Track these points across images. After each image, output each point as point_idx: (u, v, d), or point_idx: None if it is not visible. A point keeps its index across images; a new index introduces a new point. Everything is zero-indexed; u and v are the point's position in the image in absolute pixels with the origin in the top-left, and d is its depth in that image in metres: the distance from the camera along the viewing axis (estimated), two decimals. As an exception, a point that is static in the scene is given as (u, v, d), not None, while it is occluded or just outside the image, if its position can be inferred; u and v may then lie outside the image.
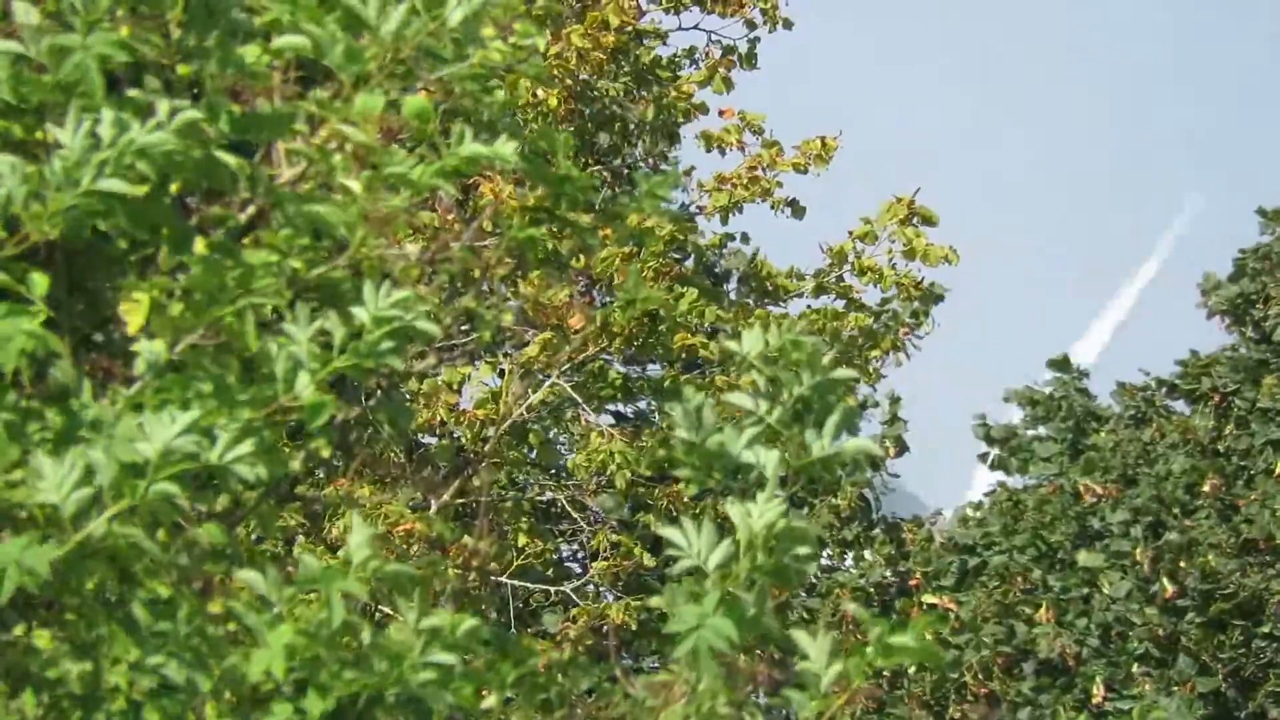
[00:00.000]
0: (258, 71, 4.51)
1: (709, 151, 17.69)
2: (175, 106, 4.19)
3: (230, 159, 4.36)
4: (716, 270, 18.50)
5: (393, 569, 4.19)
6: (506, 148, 4.57)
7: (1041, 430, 23.84)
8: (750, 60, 18.25)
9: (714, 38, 18.43)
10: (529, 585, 15.99)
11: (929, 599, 22.15)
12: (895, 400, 23.76)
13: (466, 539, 13.66)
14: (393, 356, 4.18)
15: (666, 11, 18.19)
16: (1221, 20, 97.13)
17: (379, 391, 5.08)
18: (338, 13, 4.49)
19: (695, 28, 18.47)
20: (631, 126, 17.64)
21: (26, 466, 3.91)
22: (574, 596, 15.96)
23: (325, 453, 4.40)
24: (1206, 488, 21.39)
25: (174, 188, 4.34)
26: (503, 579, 15.63)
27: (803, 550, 4.13)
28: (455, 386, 15.71)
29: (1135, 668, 20.81)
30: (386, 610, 7.62)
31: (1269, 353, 22.53)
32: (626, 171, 17.79)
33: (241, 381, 4.13)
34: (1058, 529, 21.96)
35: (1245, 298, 22.94)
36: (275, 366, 4.13)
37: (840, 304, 17.46)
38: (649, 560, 15.77)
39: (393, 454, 14.98)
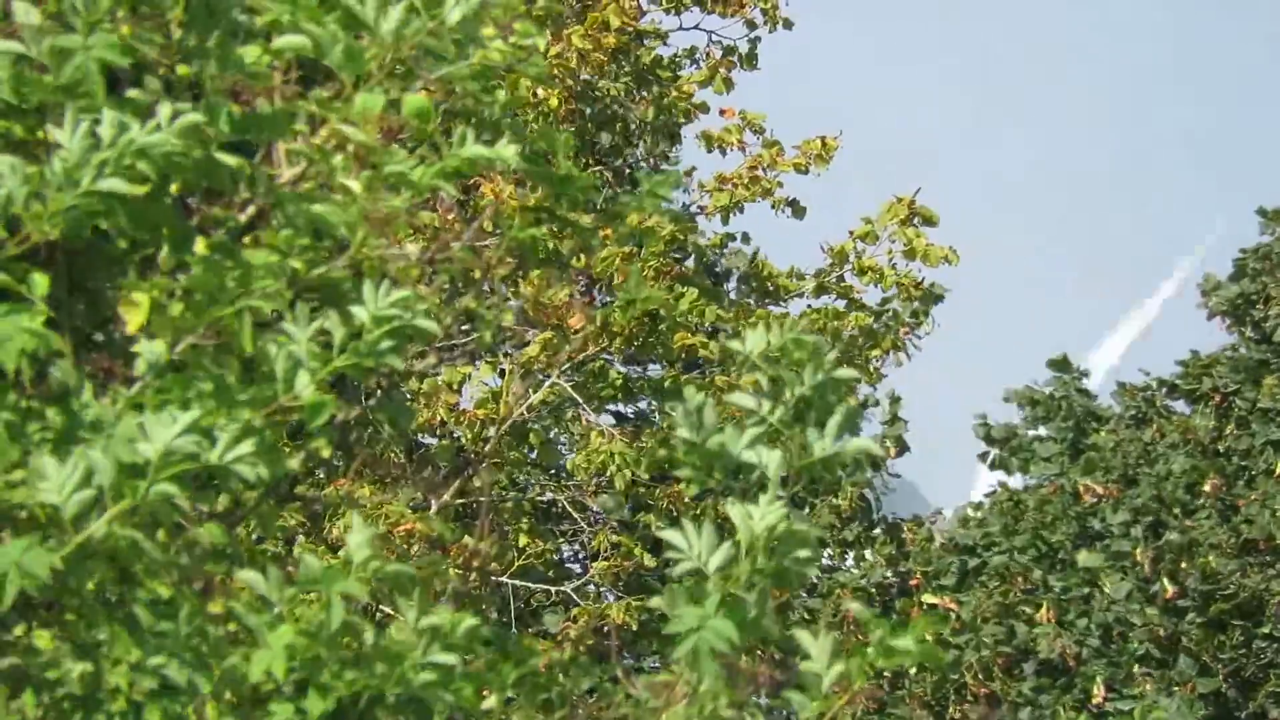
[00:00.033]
0: (258, 72, 4.51)
1: (709, 151, 17.69)
2: (176, 109, 4.19)
3: (230, 159, 4.36)
4: (717, 270, 18.50)
5: (393, 569, 4.18)
6: (508, 149, 4.56)
7: (1042, 430, 23.85)
8: (751, 60, 18.25)
9: (714, 38, 18.44)
10: (530, 585, 15.99)
11: (929, 599, 22.15)
12: (895, 400, 23.77)
13: (467, 539, 13.65)
14: (392, 356, 4.18)
15: (667, 12, 18.20)
16: (1221, 20, 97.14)
17: (379, 391, 5.08)
18: (338, 13, 4.49)
19: (696, 28, 18.48)
20: (632, 127, 17.64)
21: (27, 467, 3.91)
22: (575, 597, 15.95)
23: (325, 453, 4.39)
24: (1207, 488, 21.40)
25: (174, 188, 4.34)
26: (503, 579, 15.62)
27: (803, 553, 4.12)
28: (455, 386, 15.70)
29: (1136, 668, 20.81)
30: (388, 610, 7.62)
31: (1269, 353, 22.53)
32: (628, 171, 17.79)
33: (241, 381, 4.12)
34: (1058, 529, 21.97)
35: (1245, 298, 22.94)
36: (275, 366, 4.12)
37: (841, 304, 17.45)
38: (650, 560, 15.76)
39: (393, 454, 14.98)
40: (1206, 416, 22.42)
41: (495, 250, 4.91)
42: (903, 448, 23.79)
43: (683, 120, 17.77)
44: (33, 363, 4.04)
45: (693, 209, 17.59)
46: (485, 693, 4.52)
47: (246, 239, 4.48)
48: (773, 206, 17.34)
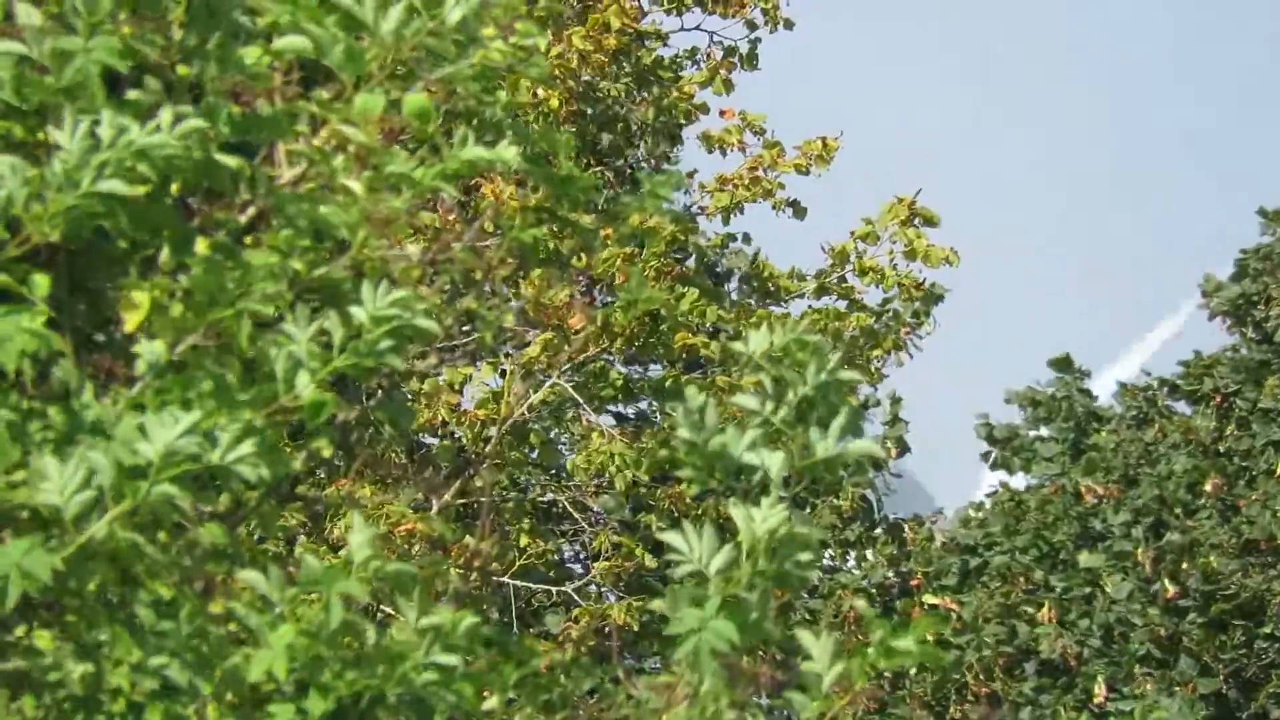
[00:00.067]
0: (259, 73, 4.51)
1: (710, 152, 17.69)
2: (178, 113, 4.19)
3: (231, 160, 4.36)
4: (718, 270, 18.51)
5: (394, 569, 4.18)
6: (509, 150, 4.56)
7: (1043, 430, 23.85)
8: (751, 61, 18.25)
9: (715, 39, 18.45)
10: (531, 586, 15.99)
11: (930, 599, 22.16)
12: (896, 400, 23.78)
13: (468, 539, 13.64)
14: (393, 356, 4.18)
15: (668, 13, 18.20)
16: (1221, 20, 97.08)
17: (380, 392, 5.08)
18: (338, 14, 4.49)
19: (696, 29, 18.48)
20: (633, 127, 17.64)
21: (28, 467, 3.91)
22: (576, 597, 15.95)
23: (326, 453, 4.39)
24: (1208, 488, 21.40)
25: (175, 189, 4.34)
26: (504, 579, 15.62)
27: (805, 556, 4.12)
28: (456, 387, 15.70)
29: (1137, 668, 20.82)
30: (389, 610, 7.61)
31: (1270, 353, 22.54)
32: (629, 172, 17.79)
33: (242, 382, 4.12)
34: (1059, 529, 21.97)
35: (1246, 298, 22.94)
36: (276, 366, 4.12)
37: (842, 304, 17.45)
38: (651, 561, 15.76)
39: (394, 454, 14.98)
40: (1208, 417, 22.42)
41: (496, 251, 4.91)
42: (904, 448, 23.80)
43: (683, 121, 17.77)
44: (34, 363, 4.04)
45: (693, 209, 17.59)
46: (486, 693, 4.52)
47: (247, 240, 4.48)
48: (773, 207, 17.34)
